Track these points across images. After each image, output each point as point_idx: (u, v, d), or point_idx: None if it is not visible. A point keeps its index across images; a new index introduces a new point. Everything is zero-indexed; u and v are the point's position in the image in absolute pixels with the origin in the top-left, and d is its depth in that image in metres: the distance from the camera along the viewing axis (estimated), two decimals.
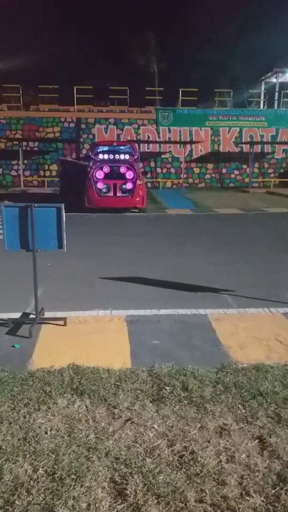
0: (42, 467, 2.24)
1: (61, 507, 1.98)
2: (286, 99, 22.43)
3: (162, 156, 20.87)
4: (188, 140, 20.65)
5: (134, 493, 2.07)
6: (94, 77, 26.06)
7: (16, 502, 2.02)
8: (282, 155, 21.45)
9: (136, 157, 14.07)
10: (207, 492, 2.09)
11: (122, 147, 14.11)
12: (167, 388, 2.97)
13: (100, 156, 13.11)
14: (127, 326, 4.08)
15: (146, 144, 20.59)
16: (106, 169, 12.02)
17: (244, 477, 2.20)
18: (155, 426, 2.58)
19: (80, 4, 31.91)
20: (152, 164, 20.92)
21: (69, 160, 17.06)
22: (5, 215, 3.95)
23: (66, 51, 29.33)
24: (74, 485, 2.11)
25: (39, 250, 4.03)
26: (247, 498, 2.06)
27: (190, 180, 21.17)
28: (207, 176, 21.38)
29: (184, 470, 2.23)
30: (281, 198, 16.31)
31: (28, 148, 20.16)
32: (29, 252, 4.03)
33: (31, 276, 4.14)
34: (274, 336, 3.90)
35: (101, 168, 12.00)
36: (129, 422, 2.62)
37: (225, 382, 3.06)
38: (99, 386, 2.98)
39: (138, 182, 11.89)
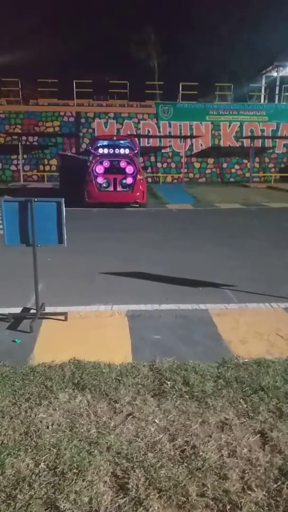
0: (44, 462, 2.24)
1: (63, 501, 1.98)
2: (287, 93, 22.31)
3: (163, 151, 20.79)
4: (189, 134, 20.56)
5: (135, 487, 2.07)
6: (94, 71, 25.90)
7: (18, 496, 2.02)
8: (283, 150, 21.37)
9: (136, 151, 14.01)
10: (209, 486, 2.09)
11: (122, 142, 14.04)
12: (168, 382, 2.97)
13: (100, 150, 13.04)
14: (128, 321, 4.07)
15: (146, 139, 20.51)
16: (106, 163, 11.96)
17: (246, 471, 2.20)
18: (156, 420, 2.58)
19: None
20: (153, 158, 20.84)
21: (69, 154, 17.02)
22: (5, 210, 3.93)
23: (66, 45, 29.15)
24: (75, 480, 2.11)
25: (39, 245, 4.01)
26: (249, 492, 2.06)
27: (191, 175, 21.10)
28: (208, 171, 21.31)
29: (185, 464, 2.23)
30: (281, 193, 16.27)
31: (27, 143, 20.07)
32: (29, 247, 4.02)
33: (31, 271, 4.13)
34: (275, 331, 3.89)
35: (101, 163, 11.94)
36: (131, 416, 2.62)
37: (226, 377, 3.06)
38: (100, 381, 2.98)
39: (139, 176, 11.84)
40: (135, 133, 19.94)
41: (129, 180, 11.78)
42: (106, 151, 12.95)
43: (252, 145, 20.07)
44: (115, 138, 14.76)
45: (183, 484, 2.09)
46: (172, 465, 2.23)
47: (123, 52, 29.94)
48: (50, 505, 1.98)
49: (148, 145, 20.52)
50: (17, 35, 28.05)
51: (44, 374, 3.07)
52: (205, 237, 8.27)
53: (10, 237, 3.99)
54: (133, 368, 3.16)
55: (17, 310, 4.35)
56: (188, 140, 20.64)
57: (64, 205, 3.89)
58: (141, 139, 20.03)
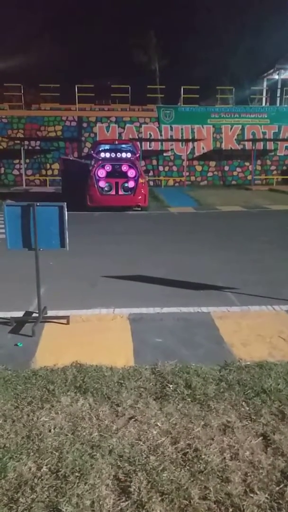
0: (46, 465, 2.24)
1: (65, 505, 1.99)
2: None
3: (164, 154, 20.82)
4: (190, 138, 20.61)
5: (138, 491, 2.07)
6: (96, 76, 26.04)
7: (20, 499, 2.02)
8: (285, 152, 21.36)
9: (138, 155, 14.06)
10: (211, 489, 2.08)
11: (124, 146, 14.09)
12: (171, 386, 2.97)
13: (102, 154, 13.10)
14: (130, 324, 4.08)
15: (148, 142, 20.54)
16: (108, 167, 12.01)
17: (248, 474, 2.20)
18: (158, 423, 2.58)
19: (81, 2, 31.87)
20: (154, 162, 20.88)
21: (71, 159, 17.07)
22: (8, 214, 3.96)
23: (67, 49, 29.29)
24: (78, 483, 2.11)
25: (41, 249, 4.03)
26: (251, 495, 2.06)
27: (192, 178, 21.12)
28: (210, 174, 21.32)
29: (188, 467, 2.23)
30: (283, 196, 16.26)
31: (30, 147, 20.16)
32: (32, 251, 4.04)
33: (33, 275, 4.14)
34: (278, 333, 3.89)
35: (103, 167, 11.99)
36: (133, 420, 2.62)
37: (228, 379, 3.06)
38: (102, 384, 2.98)
39: (140, 180, 11.87)
40: (137, 137, 20.00)
41: (131, 184, 11.82)
42: (108, 155, 13.00)
43: (254, 147, 20.08)
44: (117, 142, 14.83)
45: (185, 487, 2.09)
46: (174, 468, 2.23)
47: (125, 56, 30.07)
48: (52, 509, 1.98)
49: (150, 148, 20.56)
50: (19, 40, 28.24)
51: (46, 377, 3.08)
52: (207, 240, 8.28)
53: (12, 241, 4.01)
54: (135, 371, 3.16)
55: (19, 313, 4.36)
56: (190, 143, 20.68)
57: (66, 209, 3.91)
58: (143, 142, 20.07)
